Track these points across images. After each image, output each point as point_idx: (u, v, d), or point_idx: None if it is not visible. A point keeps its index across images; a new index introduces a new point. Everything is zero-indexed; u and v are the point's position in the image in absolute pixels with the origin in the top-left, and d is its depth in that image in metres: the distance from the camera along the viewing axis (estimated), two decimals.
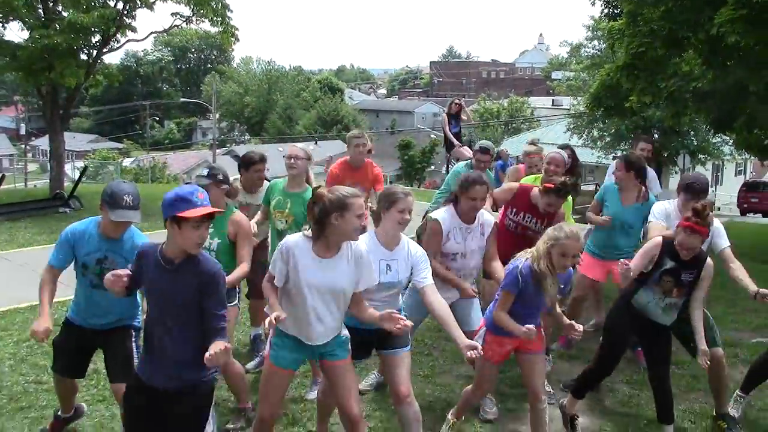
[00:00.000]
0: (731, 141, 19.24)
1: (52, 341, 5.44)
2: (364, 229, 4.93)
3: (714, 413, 6.27)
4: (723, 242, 6.12)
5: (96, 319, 5.26)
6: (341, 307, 4.70)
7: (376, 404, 6.50)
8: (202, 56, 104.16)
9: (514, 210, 6.86)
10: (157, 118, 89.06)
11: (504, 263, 5.72)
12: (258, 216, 6.94)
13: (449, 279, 5.86)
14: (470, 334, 5.83)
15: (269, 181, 7.26)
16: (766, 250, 14.77)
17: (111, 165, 47.63)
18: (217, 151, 56.25)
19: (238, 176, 7.33)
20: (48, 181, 21.74)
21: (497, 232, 6.23)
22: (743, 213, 35.27)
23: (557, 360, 7.59)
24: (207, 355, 3.75)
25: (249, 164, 7.18)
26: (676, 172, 37.19)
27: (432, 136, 59.99)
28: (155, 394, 4.13)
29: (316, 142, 56.29)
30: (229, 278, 5.37)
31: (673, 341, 5.92)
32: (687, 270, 5.49)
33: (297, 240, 4.63)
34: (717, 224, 6.08)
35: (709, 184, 6.25)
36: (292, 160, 6.77)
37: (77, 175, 24.01)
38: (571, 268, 5.20)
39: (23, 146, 63.44)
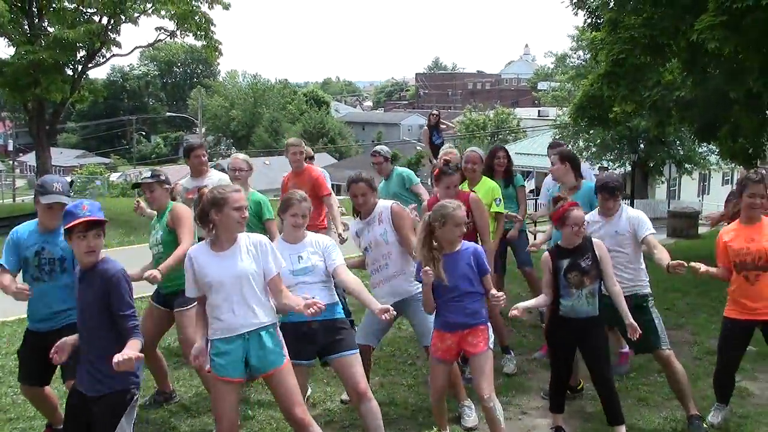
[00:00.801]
0: (717, 150, 19.37)
1: (16, 352, 5.75)
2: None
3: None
4: (643, 230, 6.29)
5: (46, 322, 5.46)
6: (253, 294, 4.87)
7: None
8: (188, 70, 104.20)
9: None
10: (144, 133, 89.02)
11: None
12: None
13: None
14: (426, 350, 6.15)
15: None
16: None
17: (98, 180, 47.58)
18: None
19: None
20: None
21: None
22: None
23: (540, 368, 7.64)
24: (114, 359, 3.96)
25: (189, 151, 7.77)
26: (662, 182, 37.46)
27: (418, 147, 60.02)
28: (83, 397, 4.41)
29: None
30: (166, 262, 5.92)
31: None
32: (582, 258, 5.79)
33: (196, 247, 5.07)
34: (636, 213, 6.39)
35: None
36: (236, 172, 7.53)
37: None
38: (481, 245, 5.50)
39: (11, 162, 63.29)
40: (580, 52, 35.30)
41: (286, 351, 5.01)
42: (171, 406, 6.71)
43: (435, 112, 13.24)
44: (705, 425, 6.25)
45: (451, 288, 5.42)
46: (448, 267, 5.40)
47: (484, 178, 7.80)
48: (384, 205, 6.35)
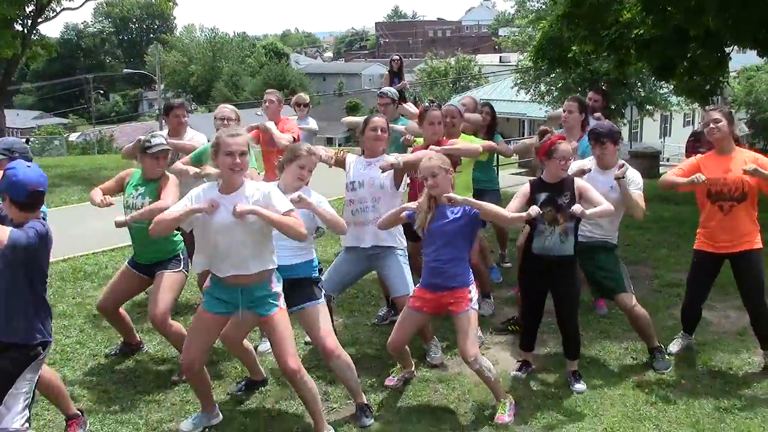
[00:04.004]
0: (672, 88, 19.47)
1: None
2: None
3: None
4: (632, 189, 6.18)
5: None
6: (251, 241, 4.83)
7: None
8: (144, 26, 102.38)
9: None
10: (102, 91, 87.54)
11: None
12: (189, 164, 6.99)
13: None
14: (398, 300, 6.17)
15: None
16: None
17: (57, 140, 46.87)
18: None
19: None
20: None
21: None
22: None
23: (504, 305, 7.78)
24: None
25: (168, 110, 7.82)
26: (624, 124, 37.61)
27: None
28: None
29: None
30: (141, 210, 5.92)
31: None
32: (560, 195, 5.71)
33: (206, 186, 5.03)
34: (633, 174, 6.28)
35: (619, 133, 6.43)
36: (225, 121, 7.16)
37: None
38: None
39: None
40: None
41: (281, 301, 5.05)
42: (138, 356, 6.71)
43: (396, 57, 13.09)
44: (667, 356, 6.39)
45: (435, 249, 5.44)
46: (437, 222, 5.41)
47: (464, 135, 7.31)
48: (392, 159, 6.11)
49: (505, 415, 5.43)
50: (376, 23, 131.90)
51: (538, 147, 5.97)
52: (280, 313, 5.02)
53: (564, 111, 7.65)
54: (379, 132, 6.21)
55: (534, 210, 5.46)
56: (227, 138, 4.77)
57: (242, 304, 5.02)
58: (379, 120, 6.27)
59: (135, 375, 6.34)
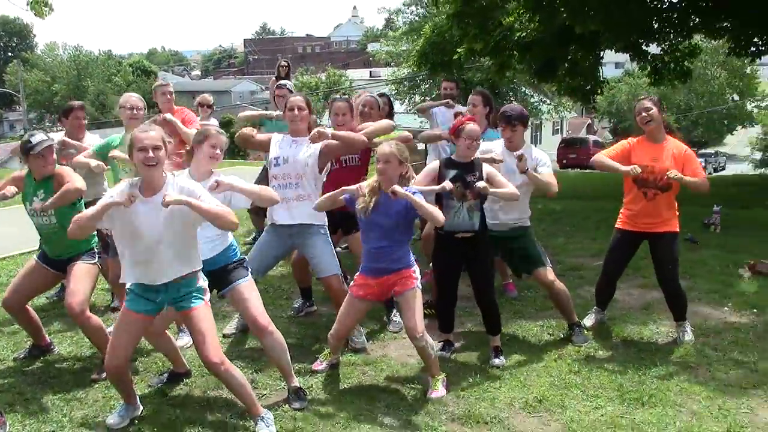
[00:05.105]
0: (554, 88, 20.13)
1: None
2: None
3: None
4: (543, 169, 6.44)
5: None
6: (177, 240, 4.74)
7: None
8: (1, 44, 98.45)
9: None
10: None
11: None
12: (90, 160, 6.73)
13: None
14: (325, 281, 6.22)
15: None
16: (598, 189, 15.65)
17: None
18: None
19: None
20: None
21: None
22: (563, 168, 37.15)
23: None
24: None
25: (69, 111, 7.77)
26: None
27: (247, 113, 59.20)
28: None
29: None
30: (54, 197, 5.74)
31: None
32: (469, 173, 5.89)
33: (124, 185, 4.76)
34: (539, 154, 6.55)
35: (525, 116, 6.65)
36: (134, 111, 7.12)
37: None
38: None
39: None
40: (413, 7, 35.74)
41: (207, 295, 4.99)
42: (49, 357, 6.43)
43: (284, 63, 13.04)
44: (585, 331, 6.63)
45: (377, 234, 5.46)
46: (380, 208, 5.42)
47: None
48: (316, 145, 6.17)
49: (438, 390, 5.51)
50: (244, 40, 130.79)
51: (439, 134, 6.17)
52: (203, 306, 4.91)
53: (469, 104, 7.84)
54: (296, 111, 6.21)
55: (447, 184, 5.66)
56: (139, 134, 4.65)
57: (167, 302, 4.93)
58: (296, 99, 6.29)
59: (49, 376, 6.05)
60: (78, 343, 6.63)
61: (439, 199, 5.87)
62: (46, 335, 6.54)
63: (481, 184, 5.73)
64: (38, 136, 5.91)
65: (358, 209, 5.45)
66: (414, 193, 5.36)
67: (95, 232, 6.14)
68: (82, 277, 5.92)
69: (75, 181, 5.80)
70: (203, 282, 4.97)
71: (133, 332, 4.93)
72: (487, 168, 5.99)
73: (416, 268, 5.61)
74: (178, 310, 4.95)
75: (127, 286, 4.96)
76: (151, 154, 4.58)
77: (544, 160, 6.51)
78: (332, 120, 6.84)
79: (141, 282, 4.83)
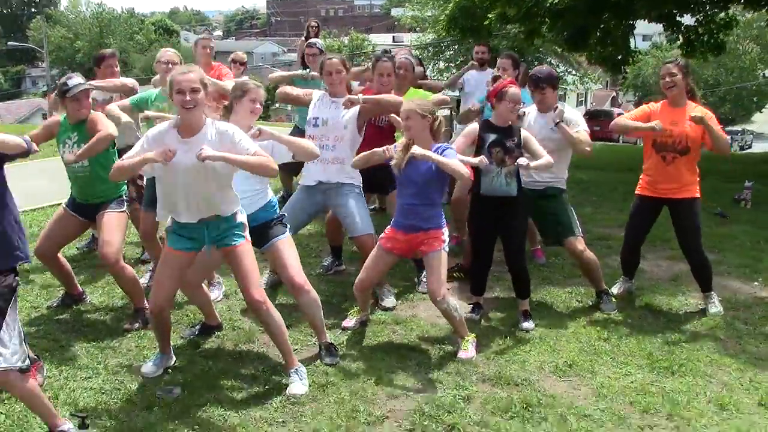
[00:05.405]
0: (583, 57, 19.95)
1: None
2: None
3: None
4: (574, 130, 6.34)
5: None
6: (214, 184, 4.74)
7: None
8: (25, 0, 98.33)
9: None
10: None
11: None
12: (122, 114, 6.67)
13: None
14: (359, 240, 6.22)
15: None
16: (623, 161, 15.55)
17: None
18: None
19: None
20: None
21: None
22: None
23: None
24: None
25: (101, 60, 7.59)
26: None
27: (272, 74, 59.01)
28: None
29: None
30: (90, 142, 5.73)
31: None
32: (508, 138, 5.87)
33: (163, 127, 4.80)
34: (572, 114, 6.49)
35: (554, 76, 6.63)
36: (170, 65, 6.78)
37: None
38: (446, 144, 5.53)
39: None
40: None
41: (246, 233, 4.98)
42: (82, 306, 6.48)
43: (314, 23, 12.94)
44: (613, 299, 6.63)
45: (412, 191, 5.48)
46: (412, 164, 5.38)
47: (412, 89, 7.26)
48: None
49: (468, 351, 5.53)
50: (267, 1, 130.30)
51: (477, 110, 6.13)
52: (245, 244, 4.95)
53: (498, 69, 7.80)
54: (334, 75, 6.19)
55: (483, 161, 5.61)
56: (178, 76, 4.63)
57: (208, 240, 4.95)
58: (333, 62, 6.23)
59: (83, 324, 6.12)
60: (109, 294, 6.68)
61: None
62: (78, 285, 6.59)
63: (523, 161, 5.70)
64: (75, 80, 5.90)
65: (393, 165, 5.45)
66: (444, 150, 5.38)
67: (125, 182, 6.19)
68: (113, 227, 5.95)
69: (107, 126, 5.81)
70: (243, 218, 4.99)
71: (176, 268, 4.97)
72: (524, 133, 5.97)
73: (446, 231, 5.61)
74: (220, 247, 4.96)
75: (167, 228, 5.03)
76: (188, 97, 4.58)
77: (577, 120, 6.46)
78: (376, 81, 6.74)
79: (181, 221, 4.87)
